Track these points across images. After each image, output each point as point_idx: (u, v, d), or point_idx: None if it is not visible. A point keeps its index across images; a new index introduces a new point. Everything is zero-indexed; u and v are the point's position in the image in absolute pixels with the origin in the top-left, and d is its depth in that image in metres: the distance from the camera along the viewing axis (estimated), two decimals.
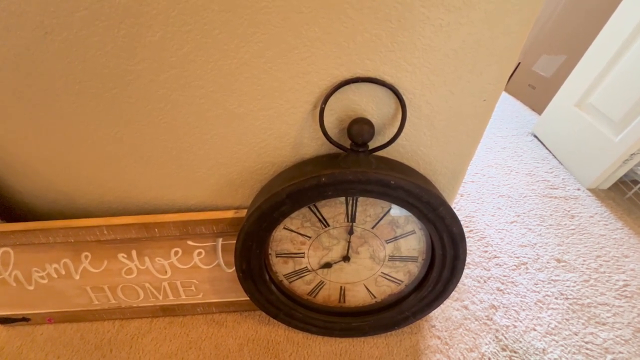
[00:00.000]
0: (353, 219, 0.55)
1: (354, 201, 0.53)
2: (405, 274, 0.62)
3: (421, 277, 0.62)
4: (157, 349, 0.67)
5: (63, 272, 0.65)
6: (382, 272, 0.62)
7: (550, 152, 1.29)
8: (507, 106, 1.66)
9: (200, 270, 0.67)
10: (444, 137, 0.50)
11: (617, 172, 1.03)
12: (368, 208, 0.54)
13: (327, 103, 0.46)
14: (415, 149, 0.51)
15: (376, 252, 0.59)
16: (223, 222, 0.61)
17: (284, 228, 0.56)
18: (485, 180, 1.14)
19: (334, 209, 0.54)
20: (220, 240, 0.63)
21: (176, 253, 0.64)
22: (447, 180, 0.56)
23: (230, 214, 0.61)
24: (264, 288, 0.60)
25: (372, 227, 0.56)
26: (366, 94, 0.46)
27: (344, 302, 0.67)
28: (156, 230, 0.60)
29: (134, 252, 0.63)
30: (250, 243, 0.54)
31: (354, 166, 0.47)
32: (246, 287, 0.60)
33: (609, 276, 0.82)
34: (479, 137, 0.50)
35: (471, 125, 0.48)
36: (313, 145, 0.52)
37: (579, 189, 1.10)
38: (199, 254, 0.64)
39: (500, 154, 1.29)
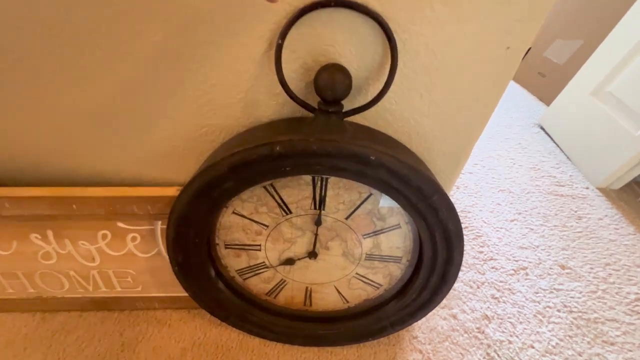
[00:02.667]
0: (322, 206, 0.43)
1: (323, 183, 0.40)
2: (385, 276, 0.50)
3: (404, 281, 0.50)
4: (81, 350, 0.55)
5: None
6: (357, 273, 0.50)
7: (558, 145, 1.17)
8: (512, 94, 1.53)
9: (137, 259, 0.54)
10: (447, 102, 0.37)
11: (633, 170, 0.92)
12: (342, 193, 0.42)
13: (287, 39, 0.33)
14: (406, 116, 0.39)
15: (350, 248, 0.47)
16: (160, 202, 0.48)
17: (234, 212, 0.44)
18: (485, 173, 1.03)
19: (297, 191, 0.42)
20: (159, 224, 0.51)
21: (104, 237, 0.52)
22: (445, 162, 0.43)
23: (170, 192, 0.48)
24: (208, 285, 0.48)
25: (346, 218, 0.44)
26: (342, 29, 0.33)
27: (310, 305, 0.55)
28: (74, 206, 0.48)
29: (49, 233, 0.51)
30: (186, 229, 0.41)
31: (321, 133, 0.34)
32: (185, 285, 0.48)
33: (619, 288, 0.72)
34: (494, 105, 0.37)
35: (485, 87, 0.36)
36: (271, 104, 0.39)
37: (587, 188, 0.99)
38: (133, 239, 0.52)
39: (502, 144, 1.17)
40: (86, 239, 0.52)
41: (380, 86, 0.35)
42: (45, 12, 0.32)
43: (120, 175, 0.50)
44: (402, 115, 0.38)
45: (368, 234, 0.45)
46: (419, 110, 0.38)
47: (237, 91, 0.38)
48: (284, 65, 0.36)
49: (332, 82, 0.33)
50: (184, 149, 0.45)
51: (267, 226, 0.45)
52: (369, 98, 0.37)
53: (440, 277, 0.44)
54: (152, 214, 0.49)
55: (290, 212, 0.44)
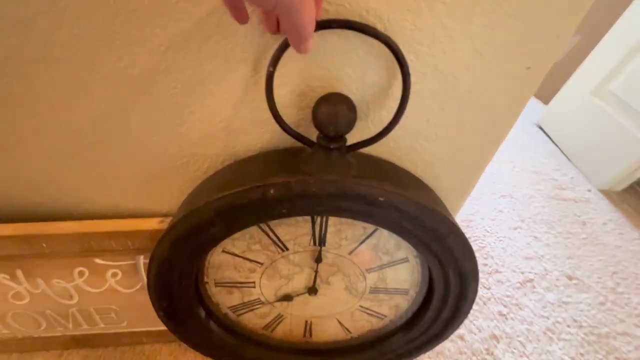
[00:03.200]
0: (322, 242, 0.39)
1: (324, 219, 0.36)
2: (391, 307, 0.47)
3: (411, 313, 0.47)
4: None
5: None
6: (360, 306, 0.46)
7: (558, 146, 1.15)
8: None
9: (120, 295, 0.50)
10: (456, 127, 0.33)
11: (636, 171, 0.90)
12: (344, 228, 0.38)
13: (279, 65, 0.28)
14: (411, 142, 0.35)
15: (353, 282, 0.43)
16: (140, 236, 0.43)
17: (224, 251, 0.40)
18: (485, 178, 1.00)
19: (294, 228, 0.37)
20: (141, 259, 0.46)
21: (81, 274, 0.47)
22: (453, 187, 0.40)
23: (151, 224, 0.44)
24: (198, 327, 0.44)
25: (349, 253, 0.40)
26: (338, 51, 0.29)
27: (310, 336, 0.52)
28: (44, 245, 0.43)
29: (19, 272, 0.46)
30: (169, 274, 0.37)
31: (321, 171, 0.30)
32: (173, 329, 0.43)
33: (628, 298, 0.69)
34: (509, 127, 0.33)
35: (500, 110, 0.32)
36: (259, 131, 0.34)
37: (589, 190, 0.97)
38: (114, 274, 0.47)
39: (501, 146, 1.14)
40: (61, 277, 0.47)
41: (385, 114, 0.31)
42: None
43: (95, 207, 0.45)
44: (405, 141, 0.34)
45: (373, 268, 0.41)
46: (425, 136, 0.34)
47: (219, 119, 0.33)
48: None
49: (334, 116, 0.29)
50: (165, 178, 0.41)
51: (261, 264, 0.41)
52: (371, 126, 0.33)
53: (451, 312, 0.41)
54: (132, 249, 0.45)
55: (287, 250, 0.40)
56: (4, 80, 0.29)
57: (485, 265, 0.74)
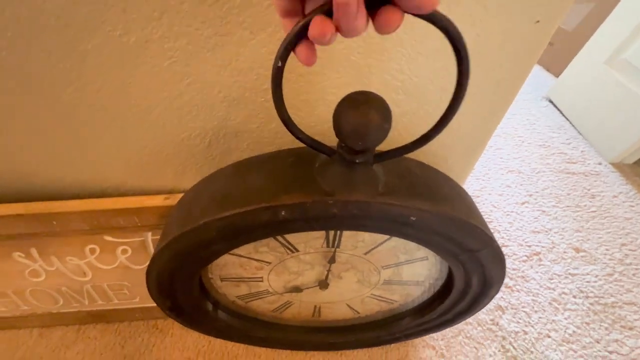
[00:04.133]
0: (337, 245, 0.37)
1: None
2: (403, 295, 0.46)
3: (423, 299, 0.46)
4: None
5: None
6: (372, 294, 0.46)
7: (568, 119, 1.11)
8: None
9: (131, 271, 0.51)
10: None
11: None
12: (362, 232, 0.35)
13: (289, 59, 0.20)
14: (415, 109, 0.33)
15: (367, 277, 0.42)
16: (148, 212, 0.44)
17: (228, 253, 0.39)
18: (492, 153, 0.98)
19: (305, 234, 0.35)
20: (149, 235, 0.47)
21: (92, 251, 0.48)
22: (460, 154, 0.39)
23: (157, 201, 0.44)
24: (206, 319, 0.44)
25: (365, 253, 0.38)
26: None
27: (319, 316, 0.52)
28: (54, 222, 0.44)
29: (33, 251, 0.47)
30: (170, 280, 0.36)
31: (342, 188, 0.26)
32: (182, 323, 0.44)
33: (636, 269, 0.69)
34: (517, 88, 0.32)
35: (509, 68, 0.30)
36: (259, 101, 0.34)
37: (600, 164, 0.95)
38: (124, 251, 0.49)
39: (509, 121, 1.11)
40: (73, 254, 0.48)
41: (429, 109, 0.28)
42: None
43: (102, 185, 0.46)
44: (412, 106, 0.33)
45: (389, 265, 0.40)
46: (429, 100, 0.33)
47: (218, 89, 0.33)
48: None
49: (364, 129, 0.22)
50: (168, 154, 0.41)
51: (269, 263, 0.40)
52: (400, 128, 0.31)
53: (467, 305, 0.40)
54: (140, 226, 0.45)
55: (297, 251, 0.38)
56: (23, 56, 0.29)
57: None
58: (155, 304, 0.56)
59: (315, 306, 0.48)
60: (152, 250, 0.48)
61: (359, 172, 0.26)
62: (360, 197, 0.25)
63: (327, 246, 0.36)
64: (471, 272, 0.34)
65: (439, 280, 0.43)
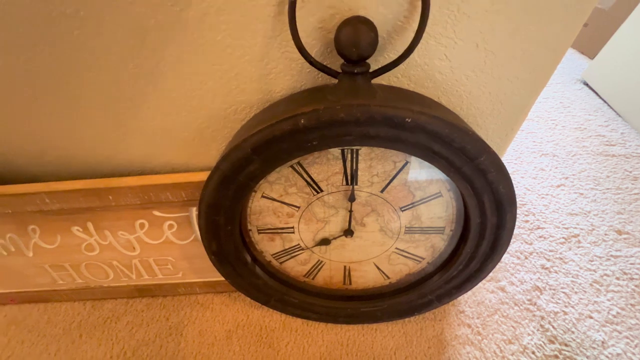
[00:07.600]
0: (354, 181, 0.40)
1: (354, 155, 0.37)
2: (428, 249, 0.48)
3: (449, 252, 0.47)
4: (133, 334, 0.57)
5: (12, 249, 0.54)
6: (396, 248, 0.48)
7: (605, 102, 1.06)
8: None
9: (175, 246, 0.54)
10: (507, 51, 0.32)
11: None
12: (374, 164, 0.38)
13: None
14: (458, 72, 0.34)
15: (388, 223, 0.45)
16: (192, 187, 0.47)
17: (263, 196, 0.42)
18: (525, 137, 0.95)
19: (326, 167, 0.39)
20: (193, 210, 0.50)
21: (142, 226, 0.52)
22: (499, 124, 0.39)
23: (201, 176, 0.47)
24: (245, 272, 0.47)
25: (381, 191, 0.41)
26: None
27: (350, 283, 0.54)
28: (110, 197, 0.47)
29: (90, 225, 0.51)
30: (216, 217, 0.40)
31: (347, 98, 0.31)
32: (223, 272, 0.47)
33: None
34: (563, 51, 0.32)
35: (554, 30, 0.30)
36: (292, 72, 0.35)
37: None
38: (170, 226, 0.52)
39: (542, 104, 1.08)
40: (125, 229, 0.52)
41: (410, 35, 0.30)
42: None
43: (152, 163, 0.49)
44: (453, 72, 0.34)
45: (406, 206, 0.42)
46: (473, 65, 0.33)
47: (266, 61, 0.34)
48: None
49: (355, 37, 0.29)
50: (213, 130, 0.43)
51: (298, 207, 0.43)
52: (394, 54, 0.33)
53: (490, 245, 0.41)
54: (186, 200, 0.48)
55: (322, 190, 0.41)
56: (74, 38, 0.32)
57: (526, 222, 0.72)
58: (195, 280, 0.59)
59: (345, 267, 0.50)
60: (195, 225, 0.51)
61: (359, 85, 0.32)
62: (362, 102, 0.30)
63: (346, 183, 0.41)
64: (481, 193, 0.35)
65: (458, 226, 0.44)
